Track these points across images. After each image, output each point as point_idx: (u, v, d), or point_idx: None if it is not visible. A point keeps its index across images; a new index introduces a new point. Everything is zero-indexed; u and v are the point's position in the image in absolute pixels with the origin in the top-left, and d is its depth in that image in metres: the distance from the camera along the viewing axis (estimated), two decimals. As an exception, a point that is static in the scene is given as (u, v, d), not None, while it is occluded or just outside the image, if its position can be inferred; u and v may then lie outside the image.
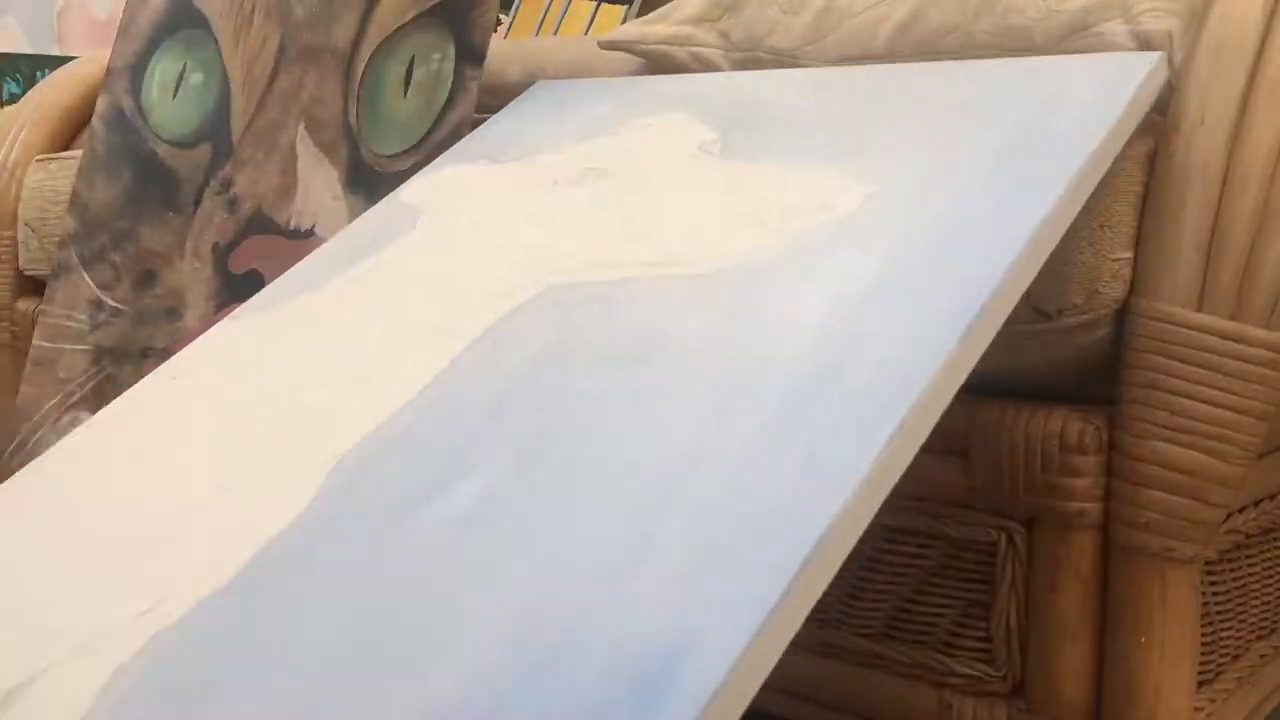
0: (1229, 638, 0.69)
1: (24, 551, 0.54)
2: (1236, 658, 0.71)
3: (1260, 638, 0.73)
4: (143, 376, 0.85)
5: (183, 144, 0.91)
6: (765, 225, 0.58)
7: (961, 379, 0.48)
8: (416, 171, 0.77)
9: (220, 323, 0.67)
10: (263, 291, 0.69)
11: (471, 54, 0.79)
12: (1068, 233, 0.56)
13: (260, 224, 0.83)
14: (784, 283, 0.54)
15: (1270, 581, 0.73)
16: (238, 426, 0.58)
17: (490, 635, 0.41)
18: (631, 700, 0.37)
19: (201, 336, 0.67)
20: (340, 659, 0.42)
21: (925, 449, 0.47)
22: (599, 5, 1.96)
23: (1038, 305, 0.59)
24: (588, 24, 1.96)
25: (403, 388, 0.56)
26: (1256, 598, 0.72)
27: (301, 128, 0.84)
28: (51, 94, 1.14)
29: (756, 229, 0.59)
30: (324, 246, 0.71)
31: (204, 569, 0.48)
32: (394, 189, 0.78)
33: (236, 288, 0.83)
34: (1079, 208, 0.55)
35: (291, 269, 0.70)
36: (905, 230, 0.55)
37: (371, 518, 0.48)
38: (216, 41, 0.91)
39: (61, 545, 0.54)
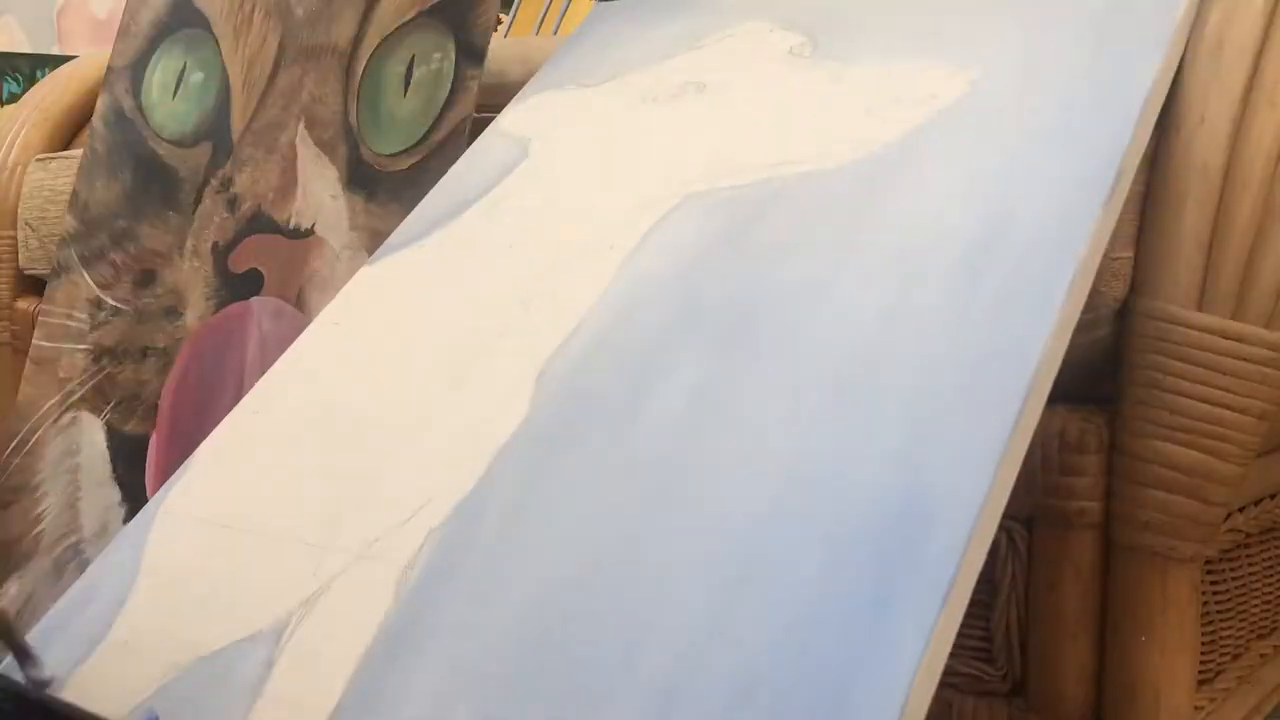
0: (1229, 636, 0.69)
1: (276, 475, 0.58)
2: (1236, 656, 0.71)
3: (1260, 636, 0.73)
4: (142, 376, 0.85)
5: (183, 143, 0.91)
6: (879, 116, 0.59)
7: (1104, 246, 0.50)
8: (417, 171, 0.77)
9: (362, 269, 0.68)
10: (396, 232, 0.69)
11: (472, 53, 0.79)
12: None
13: (260, 223, 0.83)
14: (918, 167, 0.55)
15: (1271, 580, 0.73)
16: (424, 352, 0.60)
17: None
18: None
19: (348, 285, 0.68)
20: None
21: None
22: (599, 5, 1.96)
23: (1038, 304, 0.59)
24: (588, 23, 1.96)
25: (577, 302, 0.57)
26: (1257, 596, 0.72)
27: (301, 127, 0.84)
28: (51, 93, 1.13)
29: (871, 121, 0.59)
30: (442, 183, 0.71)
31: (450, 476, 0.52)
32: (394, 188, 0.78)
33: (236, 287, 0.83)
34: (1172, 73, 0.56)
35: (417, 209, 0.70)
36: (1021, 108, 0.55)
37: (592, 425, 0.51)
38: (216, 41, 0.91)
39: (309, 465, 0.58)
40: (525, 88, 0.76)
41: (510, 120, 0.74)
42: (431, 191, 0.72)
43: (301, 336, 0.67)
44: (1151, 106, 0.54)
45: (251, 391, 0.65)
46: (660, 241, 0.58)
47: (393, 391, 0.59)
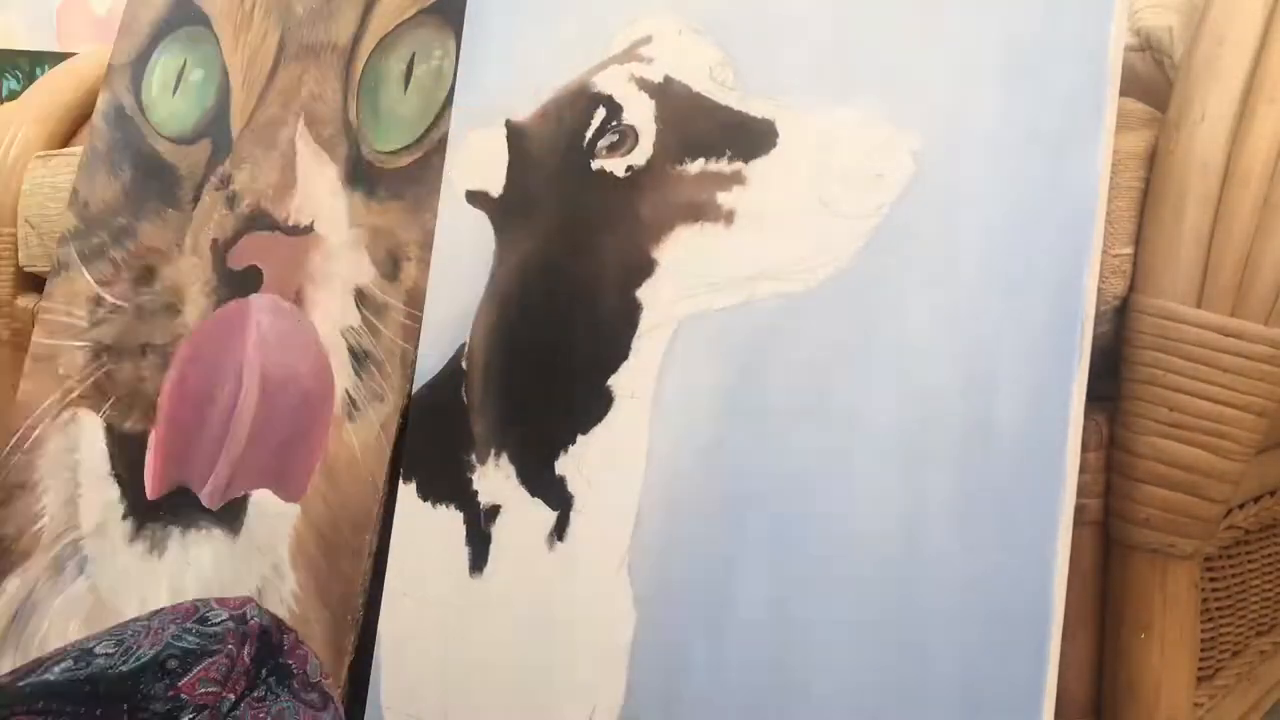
0: (1229, 633, 0.69)
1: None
2: (1236, 653, 0.71)
3: (1260, 633, 0.73)
4: (141, 373, 0.85)
5: (182, 140, 0.91)
6: (834, 210, 0.59)
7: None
8: (417, 168, 0.77)
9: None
10: (424, 355, 0.72)
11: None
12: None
13: (259, 220, 0.83)
14: (888, 298, 0.56)
15: (1270, 577, 0.73)
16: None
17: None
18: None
19: None
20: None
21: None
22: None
23: (1038, 301, 0.59)
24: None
25: (628, 475, 0.63)
26: (1256, 593, 0.72)
27: (301, 124, 0.84)
28: (51, 90, 1.13)
29: (829, 217, 0.59)
30: (435, 270, 0.73)
31: (603, 681, 0.62)
32: (394, 185, 0.78)
33: (235, 284, 0.83)
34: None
35: (430, 309, 0.73)
36: (972, 215, 0.55)
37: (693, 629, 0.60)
38: (217, 38, 0.91)
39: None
40: (455, 108, 0.75)
41: (459, 175, 0.74)
42: (431, 285, 0.73)
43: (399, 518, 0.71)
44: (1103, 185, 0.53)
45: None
46: (674, 388, 0.62)
47: (518, 579, 0.66)
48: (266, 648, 0.49)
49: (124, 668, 0.47)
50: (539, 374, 0.67)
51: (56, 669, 0.47)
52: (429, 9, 0.80)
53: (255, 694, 0.47)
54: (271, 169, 0.84)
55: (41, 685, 0.46)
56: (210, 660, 0.47)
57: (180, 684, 0.46)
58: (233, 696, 0.47)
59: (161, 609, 0.51)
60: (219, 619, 0.49)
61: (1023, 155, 0.54)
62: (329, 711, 0.50)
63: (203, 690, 0.46)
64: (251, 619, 0.49)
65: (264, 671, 0.48)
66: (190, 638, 0.48)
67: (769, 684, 0.56)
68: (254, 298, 0.81)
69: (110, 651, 0.48)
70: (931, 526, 0.53)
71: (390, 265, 0.77)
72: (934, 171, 0.56)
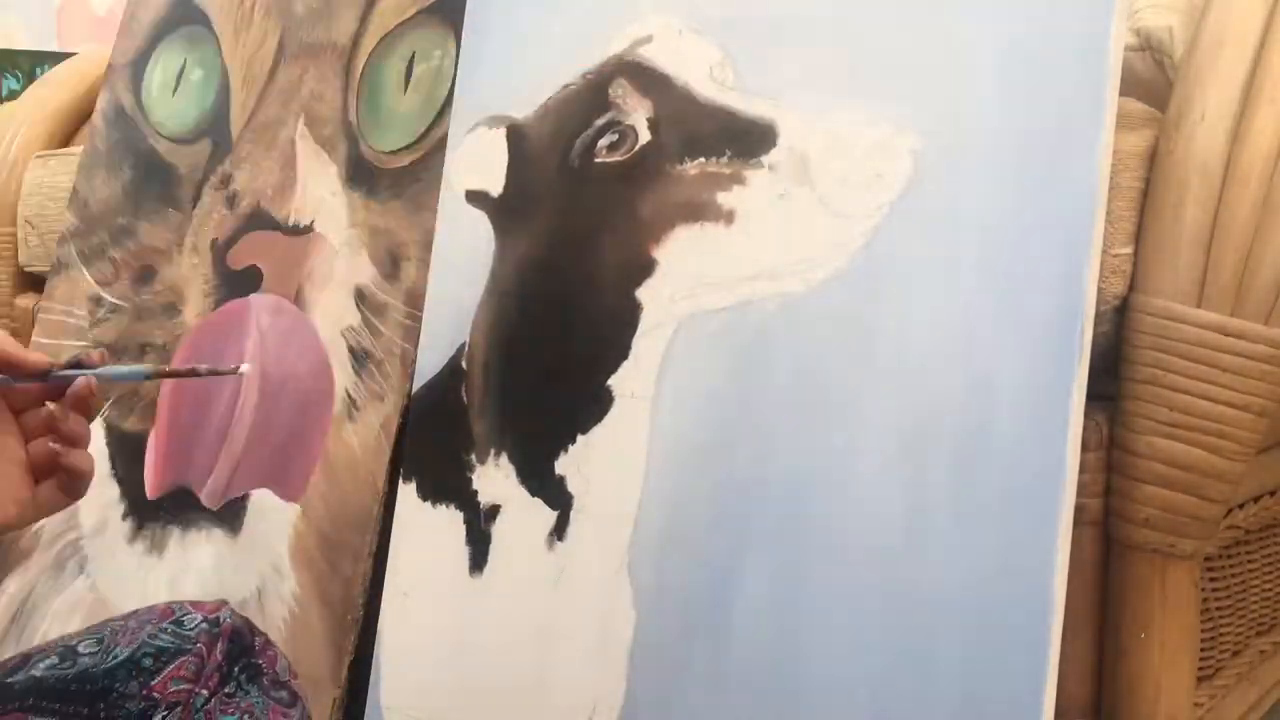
0: (1229, 633, 0.69)
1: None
2: (1236, 653, 0.71)
3: (1260, 633, 0.73)
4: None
5: (182, 140, 0.91)
6: (834, 210, 0.59)
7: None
8: (416, 168, 0.77)
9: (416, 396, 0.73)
10: (424, 355, 0.72)
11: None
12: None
13: (259, 220, 0.83)
14: (885, 303, 0.56)
15: (1270, 577, 0.73)
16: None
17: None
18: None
19: None
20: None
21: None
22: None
23: (1038, 301, 0.59)
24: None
25: (628, 475, 0.63)
26: (1256, 593, 0.72)
27: (301, 124, 0.84)
28: (51, 90, 1.13)
29: (828, 217, 0.59)
30: (435, 271, 0.73)
31: (602, 682, 0.62)
32: (394, 185, 0.78)
33: (235, 283, 0.83)
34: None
35: (429, 312, 0.73)
36: (972, 215, 0.55)
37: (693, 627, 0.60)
38: (217, 38, 0.91)
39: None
40: (455, 106, 0.75)
41: (459, 175, 0.74)
42: (431, 285, 0.73)
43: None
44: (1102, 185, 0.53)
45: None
46: (674, 388, 0.62)
47: (518, 579, 0.66)
48: (239, 647, 0.50)
49: (103, 666, 0.48)
50: (539, 374, 0.67)
51: (42, 666, 0.48)
52: (429, 9, 0.80)
53: (226, 690, 0.48)
54: (271, 169, 0.84)
55: (31, 683, 0.47)
56: (182, 659, 0.49)
57: (153, 684, 0.48)
58: (205, 692, 0.48)
59: (138, 610, 0.53)
60: (194, 622, 0.50)
61: (1023, 155, 0.54)
62: (297, 709, 0.51)
63: (174, 688, 0.48)
64: (224, 622, 0.50)
65: (236, 669, 0.50)
66: (165, 637, 0.50)
67: (768, 684, 0.56)
68: (254, 297, 0.81)
69: (93, 650, 0.49)
70: (931, 526, 0.53)
71: (390, 265, 0.77)
72: (934, 171, 0.56)
